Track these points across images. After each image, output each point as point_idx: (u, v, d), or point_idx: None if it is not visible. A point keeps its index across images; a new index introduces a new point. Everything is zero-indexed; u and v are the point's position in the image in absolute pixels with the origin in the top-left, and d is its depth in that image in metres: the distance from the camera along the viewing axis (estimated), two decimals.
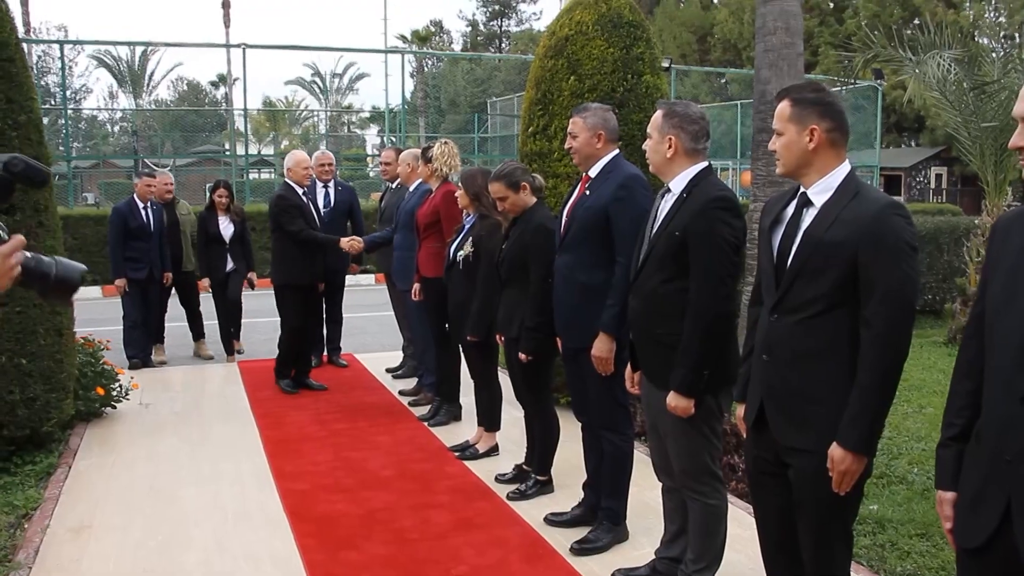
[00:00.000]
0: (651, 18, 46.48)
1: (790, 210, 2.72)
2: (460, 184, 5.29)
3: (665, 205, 3.37)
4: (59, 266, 1.91)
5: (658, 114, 3.40)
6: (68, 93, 42.49)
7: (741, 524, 4.03)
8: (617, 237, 3.82)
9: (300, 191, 7.08)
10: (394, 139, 25.73)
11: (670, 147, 3.33)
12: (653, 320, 3.40)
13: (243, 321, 8.94)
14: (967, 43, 9.41)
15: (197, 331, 9.06)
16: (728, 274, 3.20)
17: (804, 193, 2.68)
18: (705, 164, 3.38)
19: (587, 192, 3.99)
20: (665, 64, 21.01)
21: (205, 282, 8.61)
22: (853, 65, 9.41)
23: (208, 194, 8.77)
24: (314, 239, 6.97)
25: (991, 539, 2.00)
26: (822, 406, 2.61)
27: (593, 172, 4.00)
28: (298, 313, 7.08)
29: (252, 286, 8.83)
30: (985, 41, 27.15)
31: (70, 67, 44.27)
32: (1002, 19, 28.22)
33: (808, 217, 2.64)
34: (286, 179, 7.19)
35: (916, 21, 31.91)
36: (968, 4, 30.88)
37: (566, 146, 4.12)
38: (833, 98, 2.69)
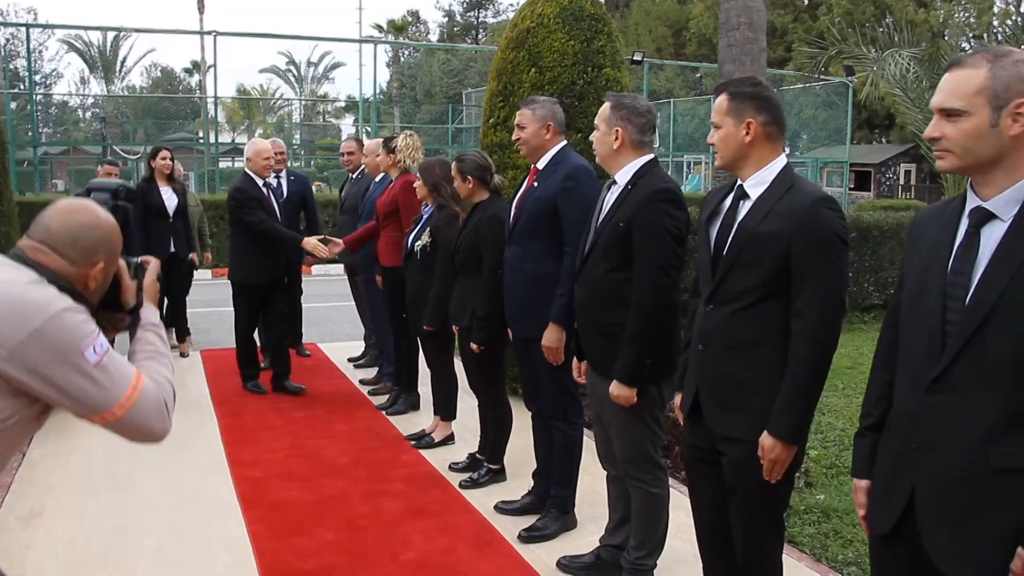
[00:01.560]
0: (627, 12, 46.67)
1: (727, 202, 2.77)
2: (418, 175, 5.31)
3: (611, 197, 3.41)
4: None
5: (606, 106, 3.44)
6: (38, 78, 42.12)
7: (687, 511, 4.08)
8: (565, 228, 3.86)
9: (260, 183, 6.65)
10: (368, 129, 25.65)
11: (616, 139, 3.37)
12: (598, 310, 3.44)
13: (207, 311, 8.75)
14: (935, 42, 9.53)
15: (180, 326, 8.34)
16: (671, 265, 3.25)
17: (741, 186, 2.73)
18: (651, 156, 3.42)
19: (535, 184, 4.02)
20: (637, 57, 21.11)
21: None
22: (818, 62, 9.51)
23: (147, 161, 7.98)
24: (274, 233, 6.53)
25: (897, 526, 2.06)
26: (754, 395, 2.66)
27: (541, 164, 4.04)
28: (254, 313, 6.76)
29: (195, 266, 8.28)
30: (954, 41, 27.42)
31: (40, 51, 43.81)
32: (971, 19, 28.52)
33: (744, 209, 2.69)
34: (245, 170, 6.75)
35: (888, 19, 32.23)
36: (938, 4, 31.20)
37: (514, 137, 4.16)
38: (770, 92, 2.74)
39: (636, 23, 45.15)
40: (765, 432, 2.60)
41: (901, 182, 33.79)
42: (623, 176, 3.38)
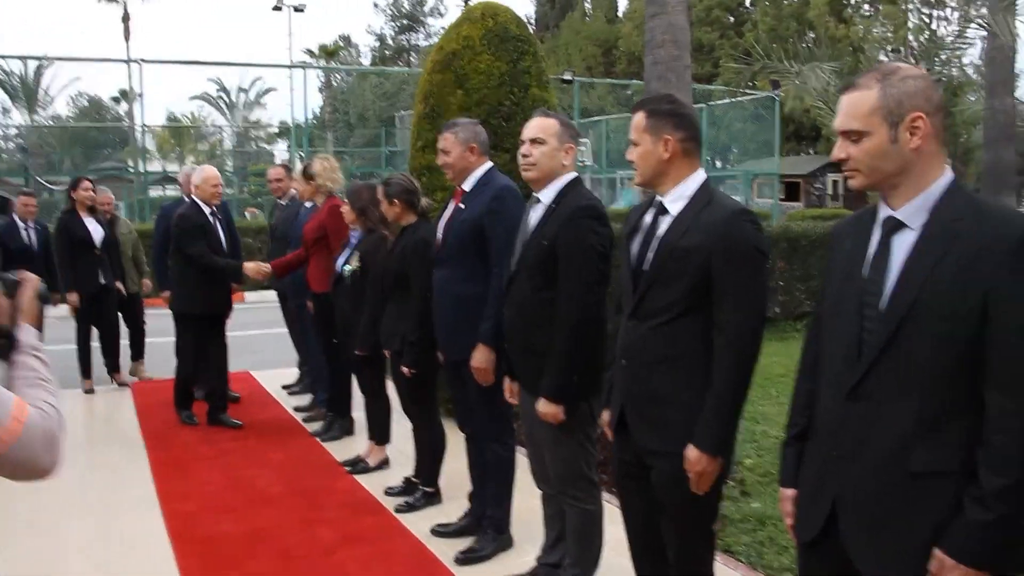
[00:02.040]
0: (557, 32, 47.16)
1: (648, 218, 2.79)
2: (346, 199, 5.28)
3: (535, 215, 3.42)
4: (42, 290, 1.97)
5: (554, 120, 3.44)
6: None
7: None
8: (492, 249, 3.86)
9: (208, 211, 6.45)
10: (302, 154, 25.46)
11: (566, 155, 3.41)
12: (526, 329, 3.44)
13: (145, 340, 8.51)
14: (855, 56, 9.78)
15: (137, 351, 8.40)
16: (595, 281, 3.26)
17: (660, 202, 2.75)
18: (574, 175, 3.44)
19: (461, 206, 4.01)
20: (568, 77, 21.36)
21: (74, 298, 7.53)
22: (744, 77, 9.69)
23: (67, 192, 7.85)
24: (215, 265, 6.34)
25: (823, 532, 2.08)
26: (678, 409, 2.67)
27: (467, 186, 4.04)
28: (196, 344, 6.55)
29: (136, 295, 8.25)
30: (873, 54, 28.22)
31: None
32: (888, 34, 29.43)
33: (664, 225, 2.71)
34: (192, 197, 6.57)
35: (811, 34, 33.03)
36: (858, 19, 32.11)
37: (439, 162, 4.15)
38: (687, 110, 2.78)
39: (566, 43, 45.68)
40: (690, 445, 2.61)
41: (830, 192, 34.57)
42: (547, 195, 3.39)
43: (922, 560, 1.89)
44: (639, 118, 2.75)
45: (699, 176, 2.74)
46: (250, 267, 6.46)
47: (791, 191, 33.55)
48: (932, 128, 1.93)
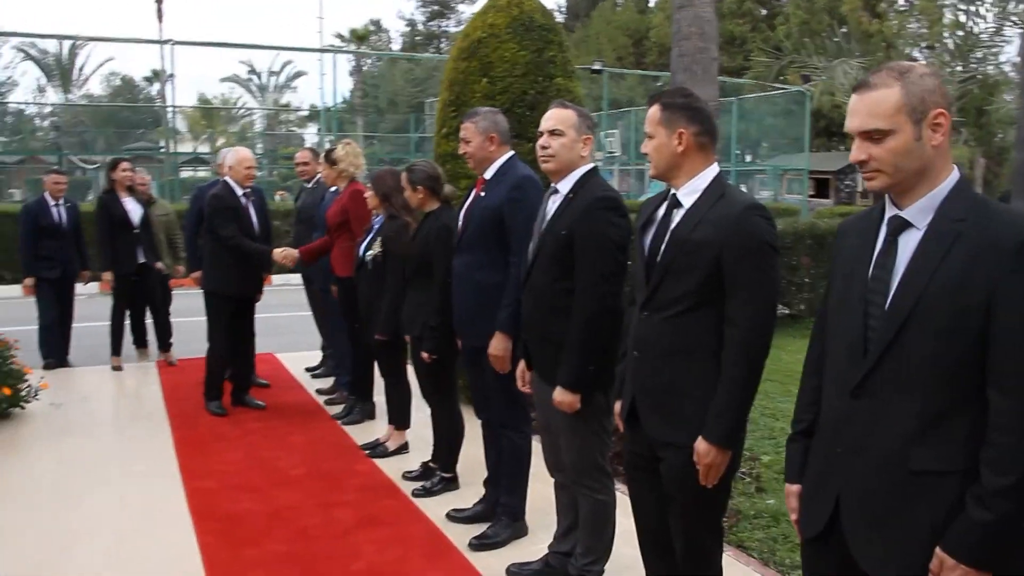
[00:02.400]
0: (588, 21, 46.92)
1: (661, 211, 2.82)
2: (370, 185, 5.33)
3: (552, 206, 3.45)
4: None
5: (572, 111, 3.47)
6: None
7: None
8: (511, 238, 3.90)
9: (240, 192, 6.44)
10: (331, 138, 25.55)
11: (584, 146, 3.44)
12: (544, 319, 3.47)
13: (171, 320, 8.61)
14: (887, 52, 9.72)
15: (164, 342, 8.36)
16: (612, 272, 3.28)
17: (674, 194, 2.78)
18: (592, 166, 3.47)
19: (482, 194, 4.06)
20: (597, 67, 21.30)
21: (109, 276, 7.73)
22: (772, 71, 9.66)
23: (106, 173, 8.02)
24: (245, 248, 6.33)
25: (826, 528, 2.10)
26: (689, 401, 2.70)
27: (488, 174, 4.08)
28: (227, 325, 6.50)
29: (168, 275, 8.39)
30: (907, 50, 27.87)
31: None
32: (923, 30, 28.98)
33: (677, 217, 2.74)
34: (225, 178, 6.52)
35: (844, 29, 32.68)
36: (892, 14, 31.69)
37: (460, 151, 4.19)
38: (701, 103, 2.79)
39: (597, 32, 45.47)
40: (700, 437, 2.64)
41: (859, 189, 34.23)
42: (564, 185, 3.42)
43: (923, 558, 1.91)
44: (654, 111, 2.78)
45: (712, 170, 2.76)
46: (278, 254, 6.44)
47: (821, 187, 33.27)
48: (949, 126, 1.94)
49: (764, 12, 39.82)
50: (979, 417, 1.86)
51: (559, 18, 54.93)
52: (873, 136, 1.98)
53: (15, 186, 34.18)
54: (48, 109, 48.42)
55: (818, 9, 33.63)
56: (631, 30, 44.49)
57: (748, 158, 34.59)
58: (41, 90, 48.78)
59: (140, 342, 8.45)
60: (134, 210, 7.80)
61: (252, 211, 6.54)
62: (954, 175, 1.96)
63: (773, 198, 29.16)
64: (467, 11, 58.89)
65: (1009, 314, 1.80)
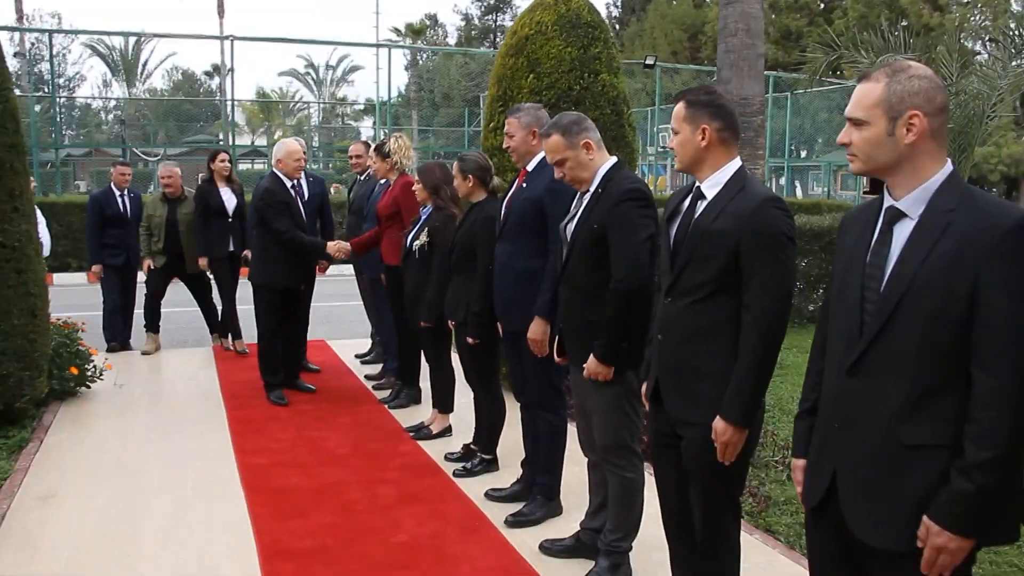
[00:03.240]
0: (643, 16, 46.73)
1: (686, 203, 2.97)
2: (418, 177, 5.53)
3: (583, 201, 3.62)
4: None
5: (556, 136, 3.63)
6: (62, 81, 42.73)
7: None
8: (551, 227, 4.06)
9: (290, 184, 6.58)
10: (386, 131, 25.91)
11: (587, 151, 3.60)
12: (581, 308, 3.62)
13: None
14: (932, 48, 9.67)
15: (214, 324, 8.70)
16: (642, 259, 3.43)
17: (698, 187, 2.93)
18: (615, 159, 3.65)
19: (524, 185, 4.25)
20: (650, 62, 21.29)
21: (204, 262, 8.02)
22: (817, 68, 9.70)
23: (206, 163, 8.24)
24: (298, 242, 6.44)
25: (825, 499, 2.25)
26: (708, 382, 2.85)
27: (530, 167, 4.26)
28: (275, 317, 6.60)
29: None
30: (968, 44, 27.44)
31: (63, 55, 44.41)
32: (987, 22, 28.47)
33: (700, 209, 2.89)
34: (274, 171, 6.65)
35: (904, 23, 32.18)
36: (954, 7, 31.17)
37: (504, 145, 4.38)
38: (724, 100, 2.93)
39: (652, 26, 45.30)
40: (717, 417, 2.79)
41: None
42: (592, 182, 3.59)
43: (912, 527, 2.04)
44: (679, 108, 2.93)
45: (735, 164, 2.90)
46: (332, 246, 6.58)
47: (875, 184, 32.72)
48: (929, 127, 2.07)
49: (822, 6, 39.33)
50: (965, 395, 1.99)
51: (614, 12, 54.81)
52: (855, 123, 2.15)
53: (80, 178, 35.20)
54: (112, 103, 49.74)
55: (877, 3, 33.17)
56: (686, 24, 44.26)
57: (803, 154, 34.27)
58: (106, 84, 50.12)
59: (214, 327, 8.72)
60: (229, 199, 8.03)
61: (300, 203, 6.68)
62: (946, 168, 2.09)
63: (827, 194, 28.90)
64: (522, 5, 59.02)
65: (992, 298, 1.93)
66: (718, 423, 2.80)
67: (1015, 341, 1.91)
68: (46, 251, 8.38)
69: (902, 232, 2.10)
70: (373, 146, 6.85)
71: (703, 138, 2.88)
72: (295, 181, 6.68)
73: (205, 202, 7.97)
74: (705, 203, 2.88)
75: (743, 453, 2.87)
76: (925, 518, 2.02)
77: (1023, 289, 1.92)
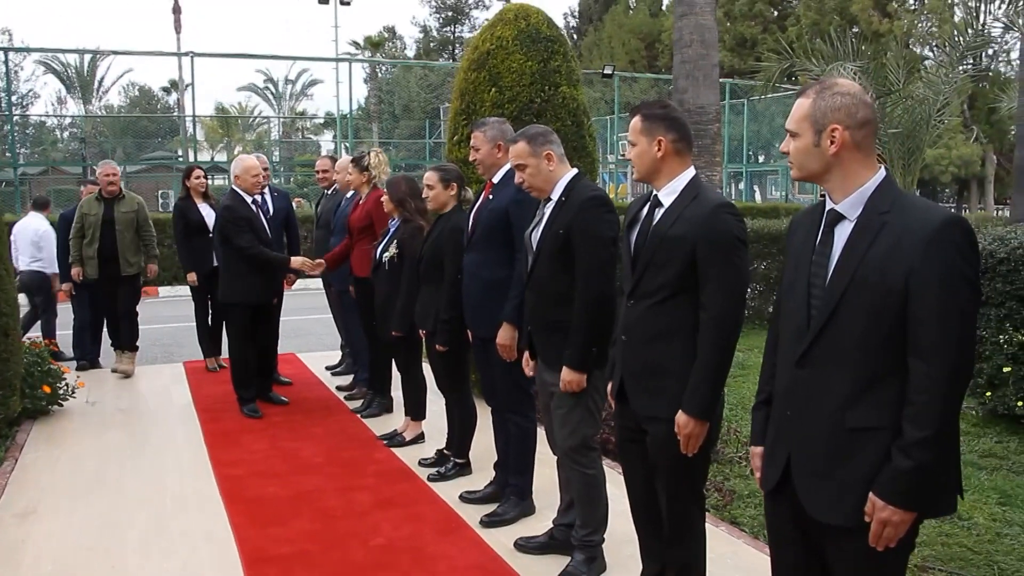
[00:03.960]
0: (600, 25, 47.17)
1: (645, 210, 3.15)
2: (386, 191, 5.67)
3: (547, 210, 3.78)
4: None
5: (522, 143, 3.81)
6: (15, 99, 42.23)
7: None
8: (517, 236, 4.22)
9: (250, 200, 6.62)
10: (347, 145, 26.03)
11: (549, 162, 3.76)
12: (547, 309, 3.78)
13: (184, 325, 8.90)
14: (877, 55, 9.97)
15: (125, 341, 8.27)
16: (606, 262, 3.60)
17: (656, 195, 3.11)
18: (575, 171, 3.84)
19: (490, 196, 4.41)
20: (608, 71, 21.60)
21: (192, 277, 7.93)
22: (772, 74, 9.98)
23: (181, 181, 8.25)
24: (264, 257, 6.49)
25: (780, 482, 2.43)
26: (670, 379, 3.03)
27: (496, 179, 4.43)
28: (246, 333, 6.64)
29: None
30: (918, 50, 28.10)
31: (16, 71, 43.90)
32: (933, 29, 29.18)
33: (657, 216, 3.08)
34: (234, 187, 6.69)
35: (855, 29, 32.83)
36: (902, 14, 31.87)
37: (470, 158, 4.55)
38: (678, 113, 3.13)
39: (610, 36, 45.78)
40: (680, 411, 2.97)
41: None
42: (556, 191, 3.76)
43: (859, 503, 2.22)
44: (635, 121, 3.12)
45: (689, 173, 3.09)
46: (296, 261, 6.63)
47: None
48: (851, 139, 2.27)
49: (775, 13, 40.00)
50: (905, 381, 2.17)
51: (572, 23, 55.26)
52: (791, 134, 2.37)
53: (43, 197, 34.74)
54: (68, 120, 49.23)
55: (828, 10, 33.85)
56: (643, 33, 44.80)
57: (761, 159, 34.83)
58: (61, 102, 49.59)
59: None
60: (208, 215, 7.93)
61: (264, 219, 6.69)
62: (879, 174, 2.28)
63: (784, 198, 29.39)
64: (481, 16, 59.39)
65: (923, 293, 2.12)
66: (680, 417, 2.97)
67: (945, 330, 2.10)
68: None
69: (842, 233, 2.29)
70: (351, 158, 6.95)
71: (659, 149, 3.06)
72: (257, 196, 6.72)
73: (185, 219, 7.93)
74: (662, 210, 3.06)
75: (705, 445, 3.05)
76: (871, 495, 2.19)
77: (951, 282, 2.11)
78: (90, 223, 7.98)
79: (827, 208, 2.35)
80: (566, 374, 3.65)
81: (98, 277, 8.00)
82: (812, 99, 2.31)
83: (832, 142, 2.27)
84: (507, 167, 4.40)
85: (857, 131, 2.27)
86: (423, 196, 5.21)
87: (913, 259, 2.12)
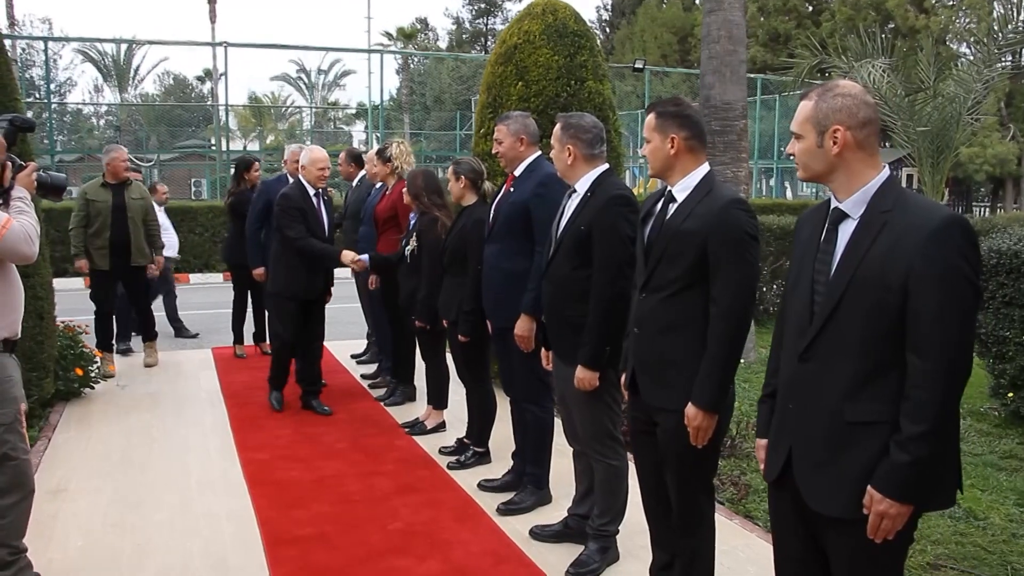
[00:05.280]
0: (633, 19, 47.00)
1: (659, 205, 3.20)
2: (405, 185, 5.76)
3: (572, 203, 3.84)
4: (52, 178, 3.74)
5: (556, 127, 3.87)
6: (52, 87, 42.81)
7: None
8: (536, 229, 4.29)
9: (312, 192, 6.31)
10: (378, 135, 26.12)
11: (569, 155, 3.81)
12: (563, 303, 3.85)
13: (216, 312, 9.05)
14: (908, 53, 9.92)
15: (147, 332, 8.19)
16: (625, 262, 3.64)
17: (669, 191, 3.17)
18: (606, 167, 3.85)
19: (512, 189, 4.47)
20: (639, 65, 21.56)
21: (260, 271, 7.53)
22: (800, 70, 9.95)
23: (235, 173, 8.20)
24: (311, 249, 6.20)
25: (782, 473, 2.48)
26: (680, 371, 3.08)
27: (517, 172, 4.49)
28: (290, 326, 6.40)
29: None
30: (955, 47, 27.77)
31: (54, 60, 44.53)
32: (971, 24, 28.78)
33: (671, 211, 3.13)
34: (299, 176, 6.40)
35: (891, 25, 32.49)
36: (939, 10, 31.48)
37: (493, 151, 4.61)
38: (691, 111, 3.17)
39: (642, 30, 45.63)
40: (689, 403, 3.02)
41: (903, 186, 34.01)
42: (582, 185, 3.80)
43: (858, 496, 2.27)
44: (650, 119, 3.18)
45: (703, 169, 3.14)
46: (347, 256, 6.35)
47: None
48: (853, 139, 2.32)
49: (809, 8, 39.67)
50: (903, 376, 2.22)
51: (604, 16, 55.08)
52: (796, 136, 2.43)
53: (72, 183, 35.30)
54: (104, 108, 49.86)
55: (863, 5, 33.50)
56: (676, 27, 44.62)
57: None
58: (98, 90, 50.23)
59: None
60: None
61: (323, 212, 6.41)
62: (883, 174, 2.33)
63: (815, 195, 29.16)
64: (513, 8, 59.26)
65: (922, 290, 2.16)
66: (689, 409, 3.03)
67: (943, 327, 2.14)
68: (174, 252, 8.43)
69: (846, 231, 2.34)
70: (375, 150, 7.04)
71: (672, 146, 3.11)
72: (318, 189, 6.41)
73: (241, 212, 7.80)
74: (676, 205, 3.11)
75: (714, 437, 3.10)
76: (869, 487, 2.24)
77: (951, 281, 2.15)
78: (98, 210, 7.55)
79: (831, 207, 2.40)
80: (579, 372, 3.72)
81: (108, 268, 7.63)
82: (814, 101, 2.36)
83: (835, 142, 2.32)
84: (528, 160, 4.47)
85: (859, 131, 2.31)
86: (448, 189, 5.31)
87: (914, 257, 2.16)
